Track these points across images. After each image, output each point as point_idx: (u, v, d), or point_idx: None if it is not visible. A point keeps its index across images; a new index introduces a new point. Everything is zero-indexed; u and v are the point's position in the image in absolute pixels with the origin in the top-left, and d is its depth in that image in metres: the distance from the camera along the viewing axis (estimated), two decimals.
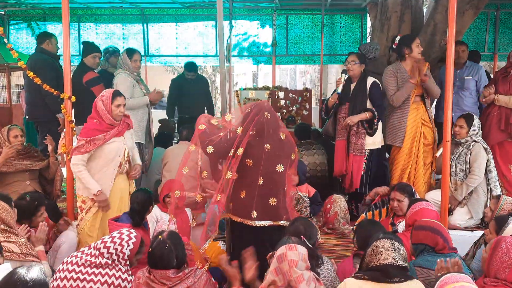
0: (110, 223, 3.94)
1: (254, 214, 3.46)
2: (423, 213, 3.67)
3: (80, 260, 2.94)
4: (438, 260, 2.85)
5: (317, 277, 2.82)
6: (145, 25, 8.59)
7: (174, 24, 8.66)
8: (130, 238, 3.01)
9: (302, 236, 3.10)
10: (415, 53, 5.05)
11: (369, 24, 8.13)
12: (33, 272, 2.21)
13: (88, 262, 2.92)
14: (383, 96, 5.14)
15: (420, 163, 5.17)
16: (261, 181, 3.48)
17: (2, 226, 3.40)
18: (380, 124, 5.09)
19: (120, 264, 2.97)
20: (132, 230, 3.12)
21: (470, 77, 5.89)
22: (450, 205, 4.67)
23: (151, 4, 8.22)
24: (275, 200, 3.49)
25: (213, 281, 3.09)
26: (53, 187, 5.07)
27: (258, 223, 3.46)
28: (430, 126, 5.23)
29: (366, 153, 5.07)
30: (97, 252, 2.93)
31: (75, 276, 2.88)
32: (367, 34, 8.48)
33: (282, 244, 2.75)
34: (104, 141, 4.15)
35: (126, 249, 2.97)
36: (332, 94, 5.24)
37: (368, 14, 7.83)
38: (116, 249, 2.95)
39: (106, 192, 4.24)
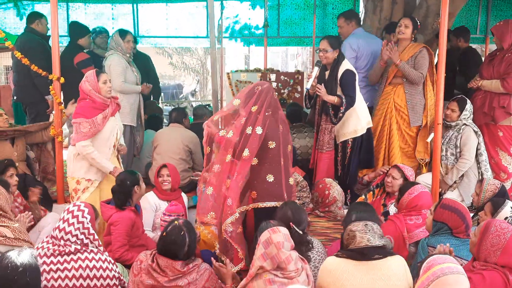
0: (102, 205, 3.94)
1: (285, 195, 3.52)
2: (424, 197, 3.70)
3: (48, 250, 2.85)
4: (438, 245, 2.89)
5: (302, 257, 2.85)
6: (134, 5, 8.44)
7: (164, 5, 8.51)
8: (82, 210, 2.93)
9: (291, 223, 3.12)
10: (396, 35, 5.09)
11: (361, 5, 8.04)
12: (24, 256, 2.18)
13: (57, 252, 2.84)
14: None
15: (394, 147, 5.12)
16: (282, 162, 3.54)
17: None
18: (362, 110, 4.87)
19: (91, 244, 2.92)
20: (78, 203, 3.02)
21: None
22: (440, 189, 4.70)
23: None
24: (292, 179, 3.64)
25: (216, 276, 3.05)
26: (49, 160, 5.04)
27: None
28: (405, 112, 5.10)
29: (349, 142, 4.85)
30: (62, 242, 2.85)
31: (47, 268, 2.79)
32: (360, 17, 8.38)
33: (263, 229, 2.76)
34: (106, 119, 4.16)
35: (87, 224, 2.91)
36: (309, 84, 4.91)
37: None
38: (80, 230, 2.86)
39: (101, 173, 4.25)
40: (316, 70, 4.76)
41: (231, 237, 3.43)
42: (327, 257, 3.35)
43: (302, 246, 3.14)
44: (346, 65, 4.76)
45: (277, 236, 2.69)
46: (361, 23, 6.04)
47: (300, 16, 8.23)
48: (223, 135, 3.55)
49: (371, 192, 4.57)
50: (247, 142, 3.45)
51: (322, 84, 4.74)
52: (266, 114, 3.53)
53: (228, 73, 7.34)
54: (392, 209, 4.11)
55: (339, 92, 4.73)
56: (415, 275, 2.65)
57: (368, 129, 4.89)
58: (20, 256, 2.18)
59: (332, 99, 4.69)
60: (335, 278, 2.65)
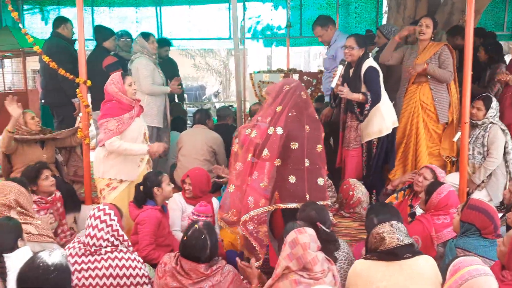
0: (130, 205, 4.01)
1: (307, 196, 3.46)
2: (452, 197, 3.65)
3: (79, 250, 2.90)
4: None
5: (329, 258, 2.83)
6: (158, 8, 8.54)
7: (187, 7, 8.59)
8: (108, 214, 2.97)
9: (318, 223, 3.10)
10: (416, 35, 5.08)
11: (385, 4, 7.97)
12: (55, 256, 2.23)
13: (88, 252, 2.89)
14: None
15: (421, 145, 5.05)
16: (307, 163, 3.49)
17: (19, 209, 3.46)
18: (388, 109, 4.82)
19: (121, 244, 2.97)
20: (102, 206, 3.05)
21: (326, 56, 5.72)
22: (468, 188, 4.62)
23: None
24: (322, 179, 3.54)
25: (240, 277, 3.04)
26: (78, 163, 5.14)
27: None
28: (431, 109, 5.03)
29: (375, 142, 4.81)
30: (93, 248, 2.89)
31: (78, 268, 2.84)
32: (383, 15, 8.32)
33: (289, 230, 2.74)
34: (132, 120, 4.22)
35: (116, 226, 2.95)
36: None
37: None
38: (110, 233, 2.91)
39: (134, 173, 4.29)
40: (340, 68, 4.72)
41: (250, 234, 3.42)
42: (353, 257, 3.36)
43: (330, 245, 3.12)
44: (369, 62, 4.73)
45: (303, 237, 2.68)
46: (384, 21, 5.96)
47: None
48: (248, 134, 3.56)
49: (402, 192, 4.53)
50: (267, 142, 3.45)
51: (345, 84, 4.72)
52: (290, 114, 3.51)
53: (250, 74, 7.36)
54: (418, 211, 4.06)
55: (363, 89, 4.70)
56: (444, 276, 2.62)
57: (393, 129, 4.85)
58: (52, 256, 2.23)
59: (357, 96, 4.65)
60: (367, 281, 2.63)
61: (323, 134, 3.68)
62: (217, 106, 14.11)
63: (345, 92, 4.65)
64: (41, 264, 2.19)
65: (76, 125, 5.09)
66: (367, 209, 3.56)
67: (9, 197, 3.45)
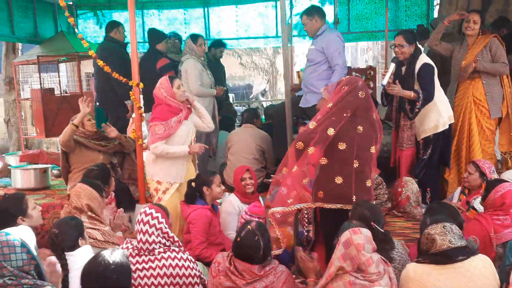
0: (181, 204, 4.09)
1: (354, 198, 3.41)
2: (511, 197, 3.51)
3: (133, 251, 2.96)
4: None
5: (385, 259, 2.78)
6: (205, 9, 8.64)
7: (234, 7, 8.65)
8: (156, 218, 3.00)
9: (372, 223, 3.05)
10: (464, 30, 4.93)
11: None
12: (116, 255, 2.31)
13: (142, 252, 2.95)
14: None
15: (475, 142, 4.90)
16: (356, 164, 3.42)
17: (89, 213, 3.58)
18: (443, 104, 4.69)
19: (172, 245, 3.02)
20: (148, 210, 3.08)
21: (313, 47, 5.30)
22: None
23: None
24: (370, 181, 3.48)
25: (293, 277, 3.05)
26: (133, 167, 5.29)
27: None
28: (484, 105, 4.87)
29: (431, 138, 4.70)
30: (147, 252, 2.96)
31: (133, 267, 2.88)
32: (434, 7, 8.08)
33: (344, 229, 2.71)
34: (180, 123, 4.28)
35: (165, 228, 3.00)
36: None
37: None
38: (161, 236, 2.96)
39: (181, 175, 4.35)
40: (392, 66, 4.63)
41: (275, 219, 3.41)
42: (407, 258, 3.28)
43: (386, 244, 3.07)
44: (424, 59, 4.62)
45: (358, 237, 2.64)
46: (435, 14, 5.77)
47: (372, 10, 8.04)
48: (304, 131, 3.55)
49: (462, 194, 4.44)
50: (312, 139, 3.40)
51: (397, 80, 4.62)
52: (344, 115, 3.45)
53: (298, 72, 7.34)
54: (476, 205, 3.94)
55: (416, 87, 4.59)
56: (504, 278, 2.53)
57: (449, 125, 4.71)
58: (113, 255, 2.31)
59: (409, 94, 4.56)
60: (420, 286, 2.58)
61: (381, 136, 3.60)
62: (264, 104, 14.15)
63: (397, 90, 4.57)
64: (103, 262, 2.28)
65: (129, 126, 5.22)
66: (427, 208, 3.46)
67: (82, 202, 3.58)
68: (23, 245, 2.39)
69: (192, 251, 3.77)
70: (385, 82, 4.62)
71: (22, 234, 2.53)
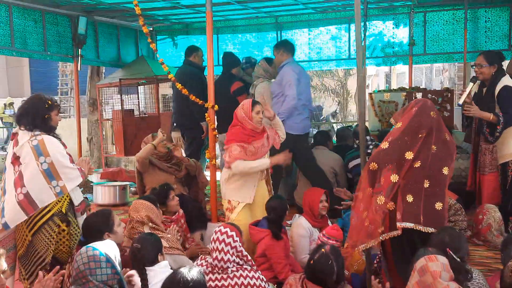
0: (250, 227, 4.09)
1: (421, 219, 3.28)
2: None
3: (207, 268, 3.02)
4: None
5: None
6: (278, 32, 8.79)
7: (306, 30, 8.74)
8: (231, 236, 3.04)
9: (448, 249, 2.93)
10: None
11: None
12: (194, 273, 2.39)
13: (215, 269, 3.01)
14: None
15: None
16: (426, 184, 3.32)
17: (151, 224, 3.75)
18: None
19: (245, 263, 3.05)
20: (224, 229, 3.11)
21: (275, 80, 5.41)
22: None
23: (285, 12, 8.39)
24: (441, 204, 3.30)
25: None
26: (199, 190, 5.44)
27: (425, 229, 3.24)
28: None
29: (510, 165, 4.49)
30: (221, 270, 3.01)
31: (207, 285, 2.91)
32: None
33: (420, 256, 2.63)
34: (255, 156, 4.27)
35: (239, 247, 3.03)
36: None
37: None
38: (235, 255, 3.00)
39: (250, 195, 4.41)
40: (470, 85, 4.52)
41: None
42: None
43: (459, 274, 2.93)
44: (505, 81, 4.46)
45: (434, 265, 2.55)
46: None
47: (449, 31, 7.81)
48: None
49: None
50: (387, 160, 3.33)
51: (473, 101, 4.47)
52: (419, 136, 3.38)
53: (370, 94, 7.24)
54: None
55: (497, 110, 4.42)
56: None
57: None
58: (191, 272, 2.39)
59: (487, 115, 4.43)
60: None
61: (454, 157, 3.49)
62: (335, 126, 14.04)
63: (473, 111, 4.44)
64: (181, 279, 2.36)
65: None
66: (506, 238, 3.27)
67: (141, 214, 3.77)
68: (108, 260, 2.52)
69: (279, 275, 3.76)
70: (461, 101, 4.51)
71: (108, 249, 2.67)
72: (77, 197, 3.61)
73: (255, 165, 4.27)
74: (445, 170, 3.37)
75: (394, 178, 3.29)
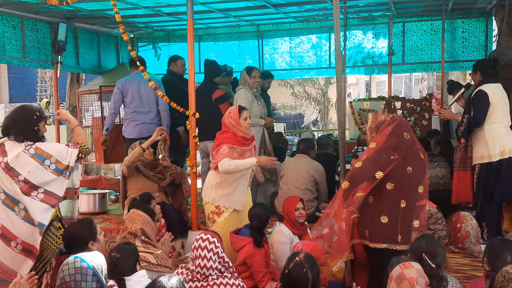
0: (231, 236, 4.07)
1: (399, 238, 3.40)
2: None
3: (187, 276, 3.01)
4: None
5: None
6: (260, 41, 8.84)
7: (288, 39, 8.80)
8: (213, 242, 3.06)
9: (423, 254, 2.98)
10: None
11: (494, 28, 7.57)
12: (173, 282, 2.38)
13: (196, 278, 3.00)
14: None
15: None
16: (403, 204, 3.42)
17: (143, 238, 3.71)
18: (497, 135, 4.59)
19: (226, 270, 3.05)
20: (205, 236, 3.13)
21: None
22: None
23: (266, 21, 8.44)
24: (418, 222, 3.43)
25: None
26: (183, 199, 5.39)
27: (404, 247, 3.36)
28: None
29: (477, 168, 4.68)
30: (204, 277, 2.99)
31: None
32: (493, 39, 7.90)
33: (394, 265, 2.67)
34: (242, 155, 4.33)
35: (221, 253, 3.04)
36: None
37: (493, 17, 7.32)
38: (217, 261, 3.01)
39: (241, 203, 4.40)
40: (461, 90, 4.90)
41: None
42: None
43: (433, 280, 2.97)
44: (483, 86, 4.67)
45: (410, 272, 2.59)
46: (494, 46, 5.72)
47: (427, 41, 7.96)
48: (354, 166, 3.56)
49: None
50: (358, 180, 3.45)
51: (447, 107, 4.97)
52: (392, 158, 3.44)
53: (350, 102, 7.32)
54: None
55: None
56: None
57: (506, 160, 4.56)
58: (170, 281, 2.37)
59: (457, 118, 4.86)
60: None
61: (427, 175, 3.57)
62: (316, 134, 14.13)
63: (445, 113, 4.92)
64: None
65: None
66: (489, 243, 3.33)
67: (136, 226, 3.73)
68: (95, 274, 2.52)
69: (260, 283, 3.76)
70: (448, 103, 5.01)
71: (96, 261, 2.65)
72: (76, 181, 3.97)
73: (242, 162, 4.27)
74: (421, 189, 3.46)
75: (369, 199, 3.48)
